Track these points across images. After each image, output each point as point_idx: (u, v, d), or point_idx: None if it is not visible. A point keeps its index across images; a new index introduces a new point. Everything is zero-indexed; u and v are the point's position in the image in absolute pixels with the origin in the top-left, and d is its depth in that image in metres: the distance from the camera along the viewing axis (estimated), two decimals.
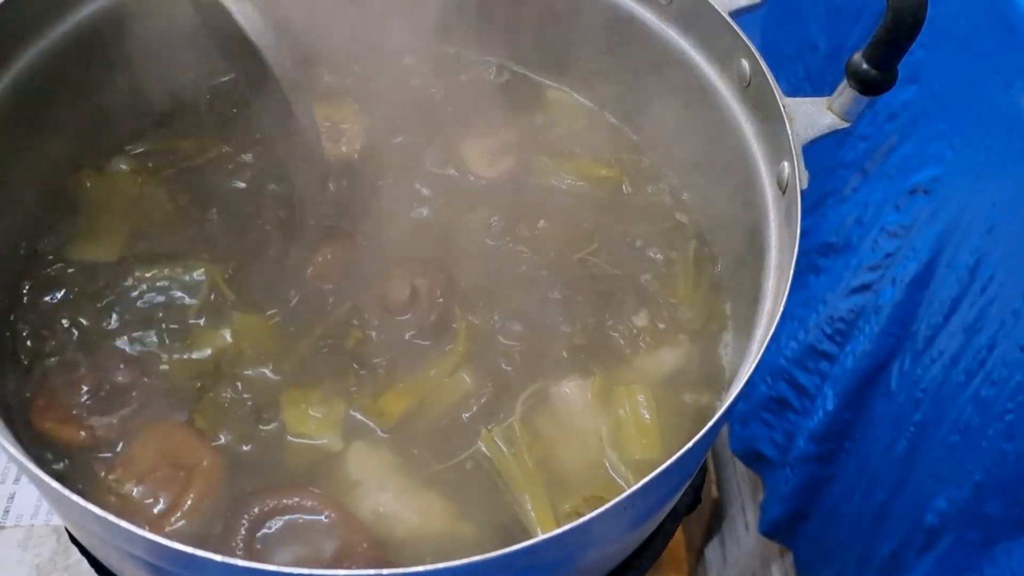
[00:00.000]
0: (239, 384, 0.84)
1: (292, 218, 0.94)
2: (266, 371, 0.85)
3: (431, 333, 0.88)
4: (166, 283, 0.89)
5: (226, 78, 1.05)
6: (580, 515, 0.60)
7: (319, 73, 1.07)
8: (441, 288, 0.89)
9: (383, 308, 0.89)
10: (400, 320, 0.88)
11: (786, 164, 0.78)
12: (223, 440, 0.81)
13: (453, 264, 0.92)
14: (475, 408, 0.84)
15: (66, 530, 0.98)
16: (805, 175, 0.76)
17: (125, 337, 0.86)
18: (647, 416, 0.84)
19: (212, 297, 0.88)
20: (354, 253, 0.92)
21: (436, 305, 0.88)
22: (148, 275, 0.89)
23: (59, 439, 0.79)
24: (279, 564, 0.57)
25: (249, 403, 0.83)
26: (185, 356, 0.85)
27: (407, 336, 0.88)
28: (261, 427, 0.82)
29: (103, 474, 0.78)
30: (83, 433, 0.79)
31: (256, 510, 0.76)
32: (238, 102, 1.03)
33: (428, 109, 1.05)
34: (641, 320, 0.91)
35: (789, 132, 0.77)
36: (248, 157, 0.99)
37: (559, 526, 0.65)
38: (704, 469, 0.93)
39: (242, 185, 0.97)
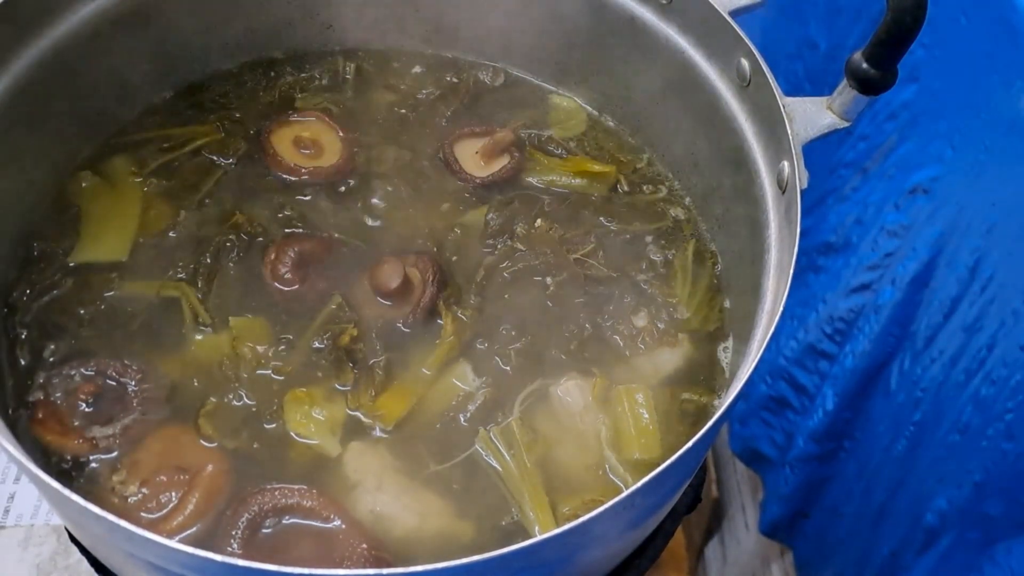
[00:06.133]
0: (239, 387, 0.84)
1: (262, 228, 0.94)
2: (266, 373, 0.85)
3: (422, 319, 0.88)
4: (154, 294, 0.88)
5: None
6: (580, 517, 0.60)
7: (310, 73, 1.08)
8: (432, 276, 0.89)
9: (373, 291, 0.89)
10: (390, 307, 0.89)
11: (786, 163, 0.78)
12: (226, 443, 0.81)
13: (448, 262, 0.93)
14: (473, 408, 0.84)
15: (66, 530, 0.97)
16: (805, 175, 0.76)
17: (124, 341, 0.85)
18: (646, 416, 0.84)
19: (193, 314, 0.88)
20: (331, 252, 0.92)
21: (428, 292, 0.88)
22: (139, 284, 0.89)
23: (62, 450, 0.79)
24: (278, 564, 0.57)
25: (251, 405, 0.83)
26: (185, 360, 0.85)
27: (399, 323, 0.88)
28: (262, 429, 0.82)
29: (107, 477, 0.78)
30: (85, 445, 0.79)
31: (255, 510, 0.76)
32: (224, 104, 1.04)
33: (422, 111, 1.05)
34: (640, 320, 0.91)
35: (789, 132, 0.77)
36: (231, 160, 0.99)
37: (558, 526, 0.65)
38: (704, 469, 0.93)
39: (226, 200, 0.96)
